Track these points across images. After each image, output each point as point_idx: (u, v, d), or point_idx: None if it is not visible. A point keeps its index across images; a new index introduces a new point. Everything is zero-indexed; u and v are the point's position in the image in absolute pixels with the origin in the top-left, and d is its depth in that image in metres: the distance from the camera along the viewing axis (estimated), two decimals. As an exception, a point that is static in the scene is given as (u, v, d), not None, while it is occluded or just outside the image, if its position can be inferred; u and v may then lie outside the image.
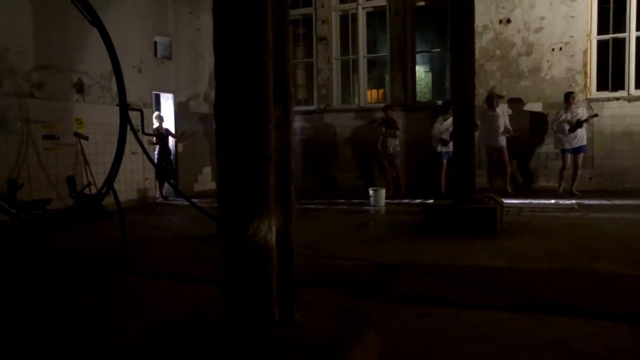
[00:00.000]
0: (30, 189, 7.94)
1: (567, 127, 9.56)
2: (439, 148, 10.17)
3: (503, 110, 10.17)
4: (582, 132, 9.56)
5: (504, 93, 10.62)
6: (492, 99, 10.06)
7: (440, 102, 10.92)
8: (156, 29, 10.59)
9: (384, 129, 10.40)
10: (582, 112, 9.57)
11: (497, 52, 10.81)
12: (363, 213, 8.43)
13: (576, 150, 9.64)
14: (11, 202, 6.93)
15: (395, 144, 10.44)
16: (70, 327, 3.32)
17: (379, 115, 10.75)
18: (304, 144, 12.32)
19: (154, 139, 10.12)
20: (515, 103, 10.61)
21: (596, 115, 9.73)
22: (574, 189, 9.59)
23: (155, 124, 10.41)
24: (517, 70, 10.71)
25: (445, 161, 10.18)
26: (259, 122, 2.01)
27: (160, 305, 3.73)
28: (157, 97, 11.13)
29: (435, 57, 13.48)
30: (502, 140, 9.98)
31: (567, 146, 9.69)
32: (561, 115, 9.68)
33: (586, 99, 10.28)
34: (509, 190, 9.96)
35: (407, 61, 11.70)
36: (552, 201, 8.89)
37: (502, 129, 9.92)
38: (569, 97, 9.65)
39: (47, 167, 8.35)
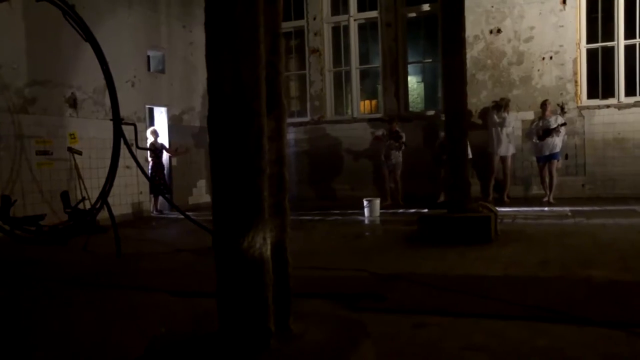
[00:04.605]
0: (24, 204, 7.91)
1: (534, 136, 9.70)
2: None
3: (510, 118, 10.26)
4: (553, 141, 9.59)
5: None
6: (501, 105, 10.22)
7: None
8: (149, 43, 10.62)
9: (388, 142, 10.47)
10: (554, 121, 9.63)
11: (489, 61, 10.89)
12: (358, 224, 8.43)
13: (547, 159, 9.70)
14: (5, 218, 6.91)
15: (397, 155, 10.50)
16: (66, 343, 3.31)
17: (385, 128, 10.81)
18: (298, 155, 12.33)
19: (149, 153, 10.12)
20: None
21: (565, 124, 9.70)
22: (550, 198, 9.62)
23: (151, 139, 10.41)
24: (508, 80, 10.79)
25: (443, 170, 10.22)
26: (252, 135, 2.03)
27: (156, 319, 3.71)
28: (151, 111, 11.14)
29: (427, 68, 13.58)
30: (510, 149, 10.14)
31: (538, 154, 9.82)
32: (535, 123, 9.85)
33: (577, 107, 10.37)
34: (506, 199, 10.02)
35: (399, 72, 11.77)
36: (546, 209, 8.93)
37: (508, 137, 10.06)
38: (544, 105, 9.77)
39: (40, 182, 8.33)
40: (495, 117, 10.14)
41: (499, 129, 10.07)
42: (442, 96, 10.14)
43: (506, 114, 10.13)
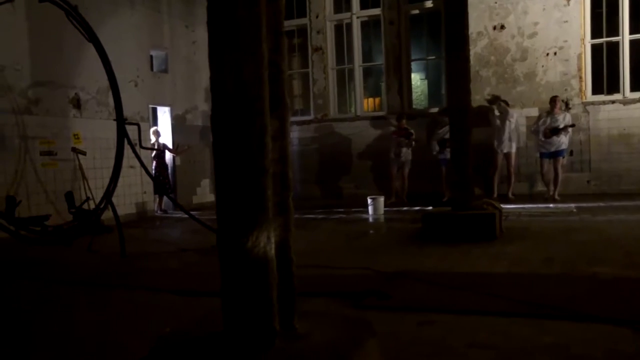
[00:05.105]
0: (29, 205, 7.93)
1: (541, 133, 9.61)
2: (440, 155, 10.21)
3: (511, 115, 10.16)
4: (560, 138, 9.50)
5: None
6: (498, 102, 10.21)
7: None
8: (152, 43, 10.63)
9: (399, 139, 10.45)
10: (562, 120, 9.52)
11: (492, 58, 10.85)
12: (362, 222, 8.43)
13: (553, 155, 9.61)
14: (10, 219, 6.92)
15: (407, 153, 10.49)
16: (68, 343, 3.31)
17: (393, 125, 10.81)
18: (301, 154, 12.32)
19: (152, 153, 10.13)
20: (511, 108, 10.64)
21: (573, 125, 9.62)
22: (555, 195, 9.57)
23: (153, 139, 10.43)
24: (512, 76, 10.76)
25: (443, 168, 10.19)
26: (255, 135, 2.02)
27: (161, 319, 3.71)
28: (154, 111, 11.16)
29: (430, 65, 13.54)
30: (513, 146, 10.07)
31: (543, 150, 9.73)
32: (542, 120, 9.71)
33: (582, 102, 10.32)
34: (510, 196, 9.97)
35: (402, 69, 11.74)
36: (551, 205, 8.90)
37: (510, 133, 10.02)
38: (554, 101, 9.63)
39: (45, 183, 8.35)
40: (497, 111, 10.09)
41: (500, 124, 10.01)
42: (446, 93, 10.14)
43: (505, 105, 10.06)
